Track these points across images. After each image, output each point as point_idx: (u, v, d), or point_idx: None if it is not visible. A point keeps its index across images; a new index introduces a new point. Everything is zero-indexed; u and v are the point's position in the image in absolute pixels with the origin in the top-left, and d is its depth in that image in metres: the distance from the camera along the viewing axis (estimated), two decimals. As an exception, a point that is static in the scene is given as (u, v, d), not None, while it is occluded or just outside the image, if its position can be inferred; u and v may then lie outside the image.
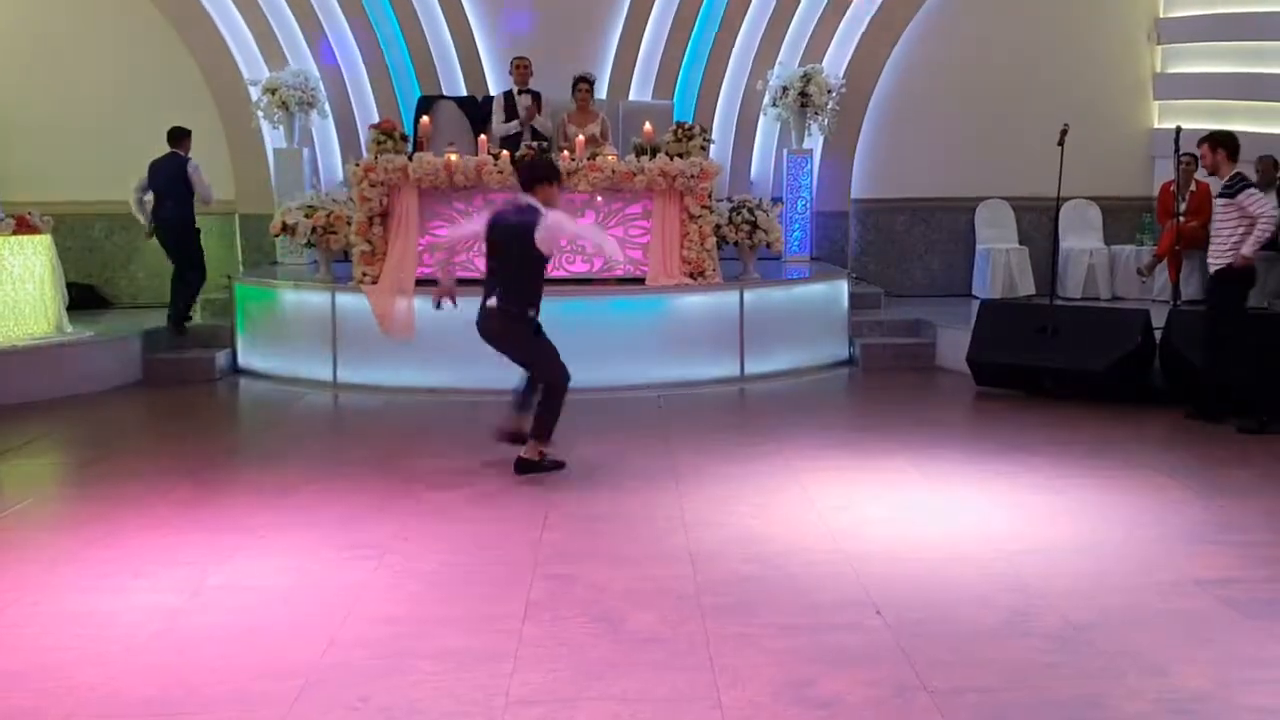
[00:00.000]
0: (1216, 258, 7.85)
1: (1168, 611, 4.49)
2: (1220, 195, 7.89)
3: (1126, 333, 8.55)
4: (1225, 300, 7.86)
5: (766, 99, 11.61)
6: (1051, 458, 6.86)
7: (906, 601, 4.59)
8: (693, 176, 9.31)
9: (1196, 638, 4.24)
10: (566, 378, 6.54)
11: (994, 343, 8.97)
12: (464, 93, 11.67)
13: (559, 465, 6.60)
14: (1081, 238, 11.86)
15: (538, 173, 6.66)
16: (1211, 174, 8.06)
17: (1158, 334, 8.56)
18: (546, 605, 4.57)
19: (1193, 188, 10.77)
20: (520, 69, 10.92)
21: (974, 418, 8.32)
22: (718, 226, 9.62)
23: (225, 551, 5.26)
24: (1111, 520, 5.65)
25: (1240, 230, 7.66)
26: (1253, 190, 7.63)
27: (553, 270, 9.27)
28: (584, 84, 10.71)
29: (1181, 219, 10.39)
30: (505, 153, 9.42)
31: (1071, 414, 8.11)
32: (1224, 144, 7.79)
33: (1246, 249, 7.61)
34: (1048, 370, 8.65)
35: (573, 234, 6.96)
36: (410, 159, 9.25)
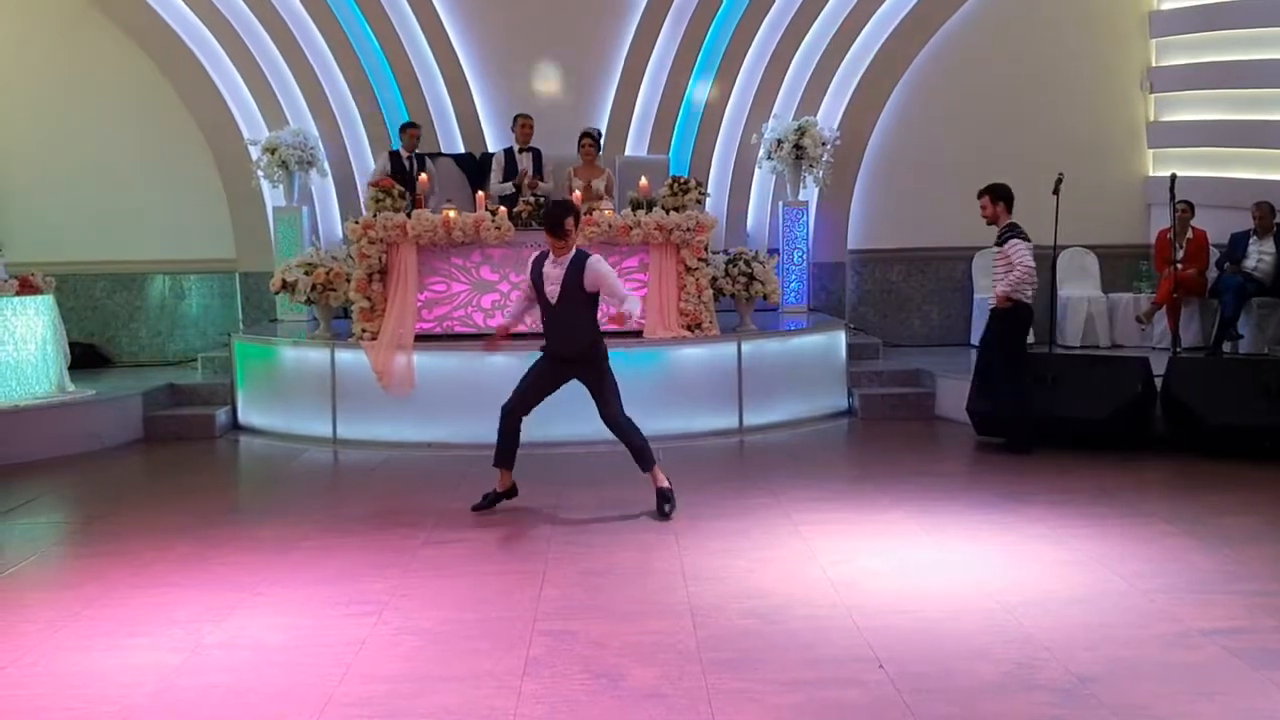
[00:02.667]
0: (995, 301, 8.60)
1: (1173, 663, 4.45)
2: (996, 244, 8.58)
3: (1127, 381, 8.55)
4: (997, 334, 8.58)
5: (762, 152, 11.70)
6: (1053, 507, 6.84)
7: (909, 655, 4.55)
8: (689, 229, 9.36)
9: (1202, 689, 4.19)
10: (503, 410, 6.93)
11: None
12: (462, 150, 11.77)
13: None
14: (1079, 286, 11.90)
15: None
16: (991, 223, 8.67)
17: (1158, 382, 8.56)
18: (546, 662, 4.54)
19: (1189, 235, 10.82)
20: (524, 128, 11.01)
21: (974, 468, 8.29)
22: (714, 279, 9.66)
23: (223, 610, 5.23)
24: (1114, 570, 5.62)
25: (1009, 275, 8.40)
26: (1017, 241, 8.37)
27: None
28: (587, 139, 10.79)
29: (1179, 266, 10.44)
30: (503, 209, 9.48)
31: (1072, 463, 8.09)
32: (1004, 197, 8.55)
33: (1001, 288, 8.37)
34: (1048, 419, 8.64)
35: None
36: (409, 216, 9.30)
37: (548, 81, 12.00)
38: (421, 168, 10.95)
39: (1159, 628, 4.83)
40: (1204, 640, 4.66)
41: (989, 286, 11.92)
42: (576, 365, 6.79)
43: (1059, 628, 4.82)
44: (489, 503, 6.96)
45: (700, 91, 12.01)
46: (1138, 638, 4.71)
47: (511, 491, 7.04)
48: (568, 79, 12.04)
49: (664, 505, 6.76)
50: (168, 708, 4.18)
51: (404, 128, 11.15)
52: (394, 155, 11.05)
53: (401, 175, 10.77)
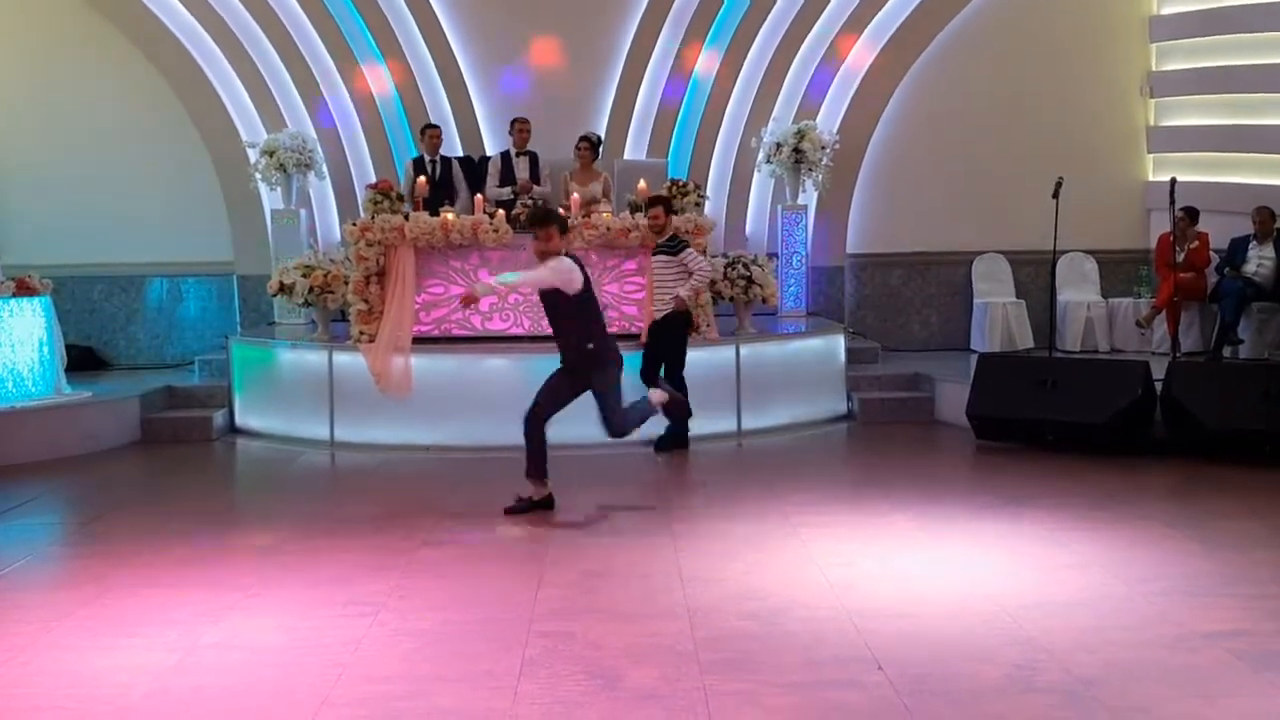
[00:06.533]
0: (663, 306, 8.73)
1: (1174, 665, 4.43)
2: (663, 253, 8.85)
3: (1127, 385, 8.52)
4: (681, 340, 8.80)
5: (761, 155, 11.69)
6: (1053, 510, 6.81)
7: (908, 657, 4.53)
8: (687, 233, 9.34)
9: (1203, 692, 4.17)
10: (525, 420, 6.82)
11: (994, 396, 8.93)
12: (460, 153, 11.75)
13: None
14: (1079, 290, 11.88)
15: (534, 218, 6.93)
16: (659, 233, 8.93)
17: (1158, 386, 8.55)
18: (543, 663, 4.51)
19: (1194, 243, 10.78)
20: (520, 131, 10.99)
21: (974, 471, 8.27)
22: (713, 282, 9.64)
23: (219, 610, 5.20)
24: (1115, 573, 5.59)
25: (689, 280, 8.74)
26: (691, 250, 8.82)
27: (548, 328, 9.32)
28: (585, 143, 10.76)
29: (1181, 258, 10.42)
30: (500, 211, 9.47)
31: (1072, 467, 8.06)
32: (673, 210, 9.20)
33: (684, 291, 8.64)
34: (1048, 423, 8.60)
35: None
36: (406, 218, 9.29)
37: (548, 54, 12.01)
38: (447, 171, 10.93)
39: (1159, 630, 4.81)
40: (1204, 643, 4.64)
41: (989, 291, 12.01)
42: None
43: (1059, 630, 4.80)
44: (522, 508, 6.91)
45: (699, 94, 12.04)
46: (1138, 640, 4.69)
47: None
48: (567, 79, 12.02)
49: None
50: (163, 709, 4.16)
51: (424, 130, 11.12)
52: (417, 162, 11.01)
53: (427, 180, 10.76)
